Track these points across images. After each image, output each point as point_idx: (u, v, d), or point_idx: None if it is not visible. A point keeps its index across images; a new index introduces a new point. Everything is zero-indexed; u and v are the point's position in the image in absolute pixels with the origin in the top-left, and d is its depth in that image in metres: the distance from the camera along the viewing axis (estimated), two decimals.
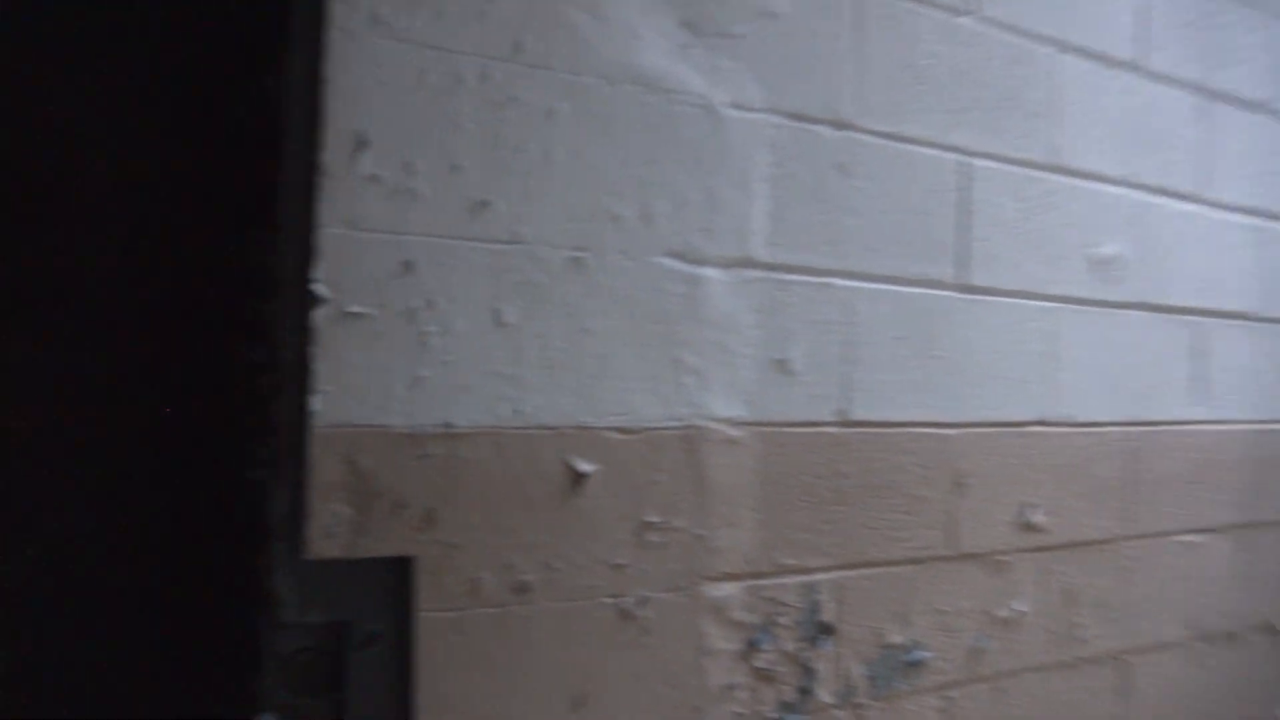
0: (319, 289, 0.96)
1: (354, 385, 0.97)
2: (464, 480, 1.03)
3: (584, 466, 1.09)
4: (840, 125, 1.32)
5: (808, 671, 1.26)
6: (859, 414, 1.32)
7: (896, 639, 1.33)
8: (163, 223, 2.03)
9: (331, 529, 0.97)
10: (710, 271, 1.20)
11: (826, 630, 1.27)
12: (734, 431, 1.21)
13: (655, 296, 1.15)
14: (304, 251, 0.98)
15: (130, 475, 1.93)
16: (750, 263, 1.24)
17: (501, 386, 1.05)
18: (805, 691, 1.25)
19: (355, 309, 0.98)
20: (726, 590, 1.19)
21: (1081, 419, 1.54)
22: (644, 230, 1.15)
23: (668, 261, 1.17)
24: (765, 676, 1.23)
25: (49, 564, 1.79)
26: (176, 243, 2.06)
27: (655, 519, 1.14)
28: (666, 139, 1.18)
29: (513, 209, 1.07)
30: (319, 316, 0.96)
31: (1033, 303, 1.50)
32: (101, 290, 1.90)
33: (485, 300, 1.04)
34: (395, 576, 1.01)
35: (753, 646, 1.22)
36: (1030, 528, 1.47)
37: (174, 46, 2.00)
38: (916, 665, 1.34)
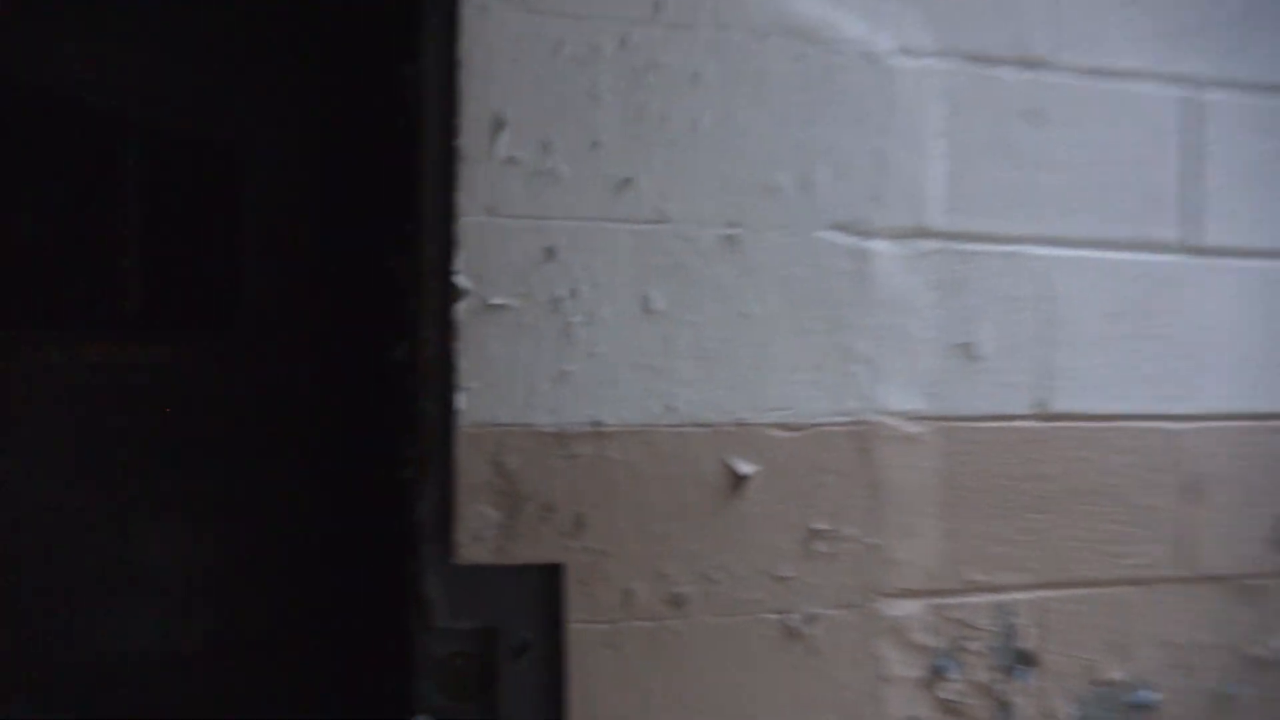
0: (460, 281, 0.92)
1: (498, 381, 0.92)
2: (614, 483, 0.95)
3: (744, 468, 0.98)
4: (1030, 64, 1.12)
5: (1003, 706, 1.08)
6: (1061, 405, 1.11)
7: (1115, 675, 1.11)
8: (309, 223, 2.14)
9: (480, 533, 0.92)
10: (880, 244, 1.04)
11: (1026, 660, 1.08)
12: (912, 427, 1.05)
13: (818, 275, 1.01)
14: (444, 242, 0.93)
15: (287, 476, 2.05)
16: (926, 232, 1.07)
17: (652, 380, 0.96)
18: None
19: (497, 300, 0.92)
20: (906, 608, 1.04)
21: None
22: (804, 201, 1.01)
23: (831, 235, 1.02)
24: (952, 710, 1.06)
25: (214, 562, 1.93)
26: (321, 240, 2.17)
27: (823, 526, 1.01)
28: (825, 96, 1.03)
29: (658, 185, 0.97)
30: (461, 310, 0.91)
31: None
32: (255, 295, 2.03)
33: (632, 286, 0.95)
34: (545, 584, 0.95)
35: (937, 674, 1.05)
36: None
37: (314, 50, 2.08)
38: (1142, 709, 1.12)
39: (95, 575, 1.64)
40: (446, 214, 0.93)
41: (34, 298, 1.65)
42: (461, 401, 0.91)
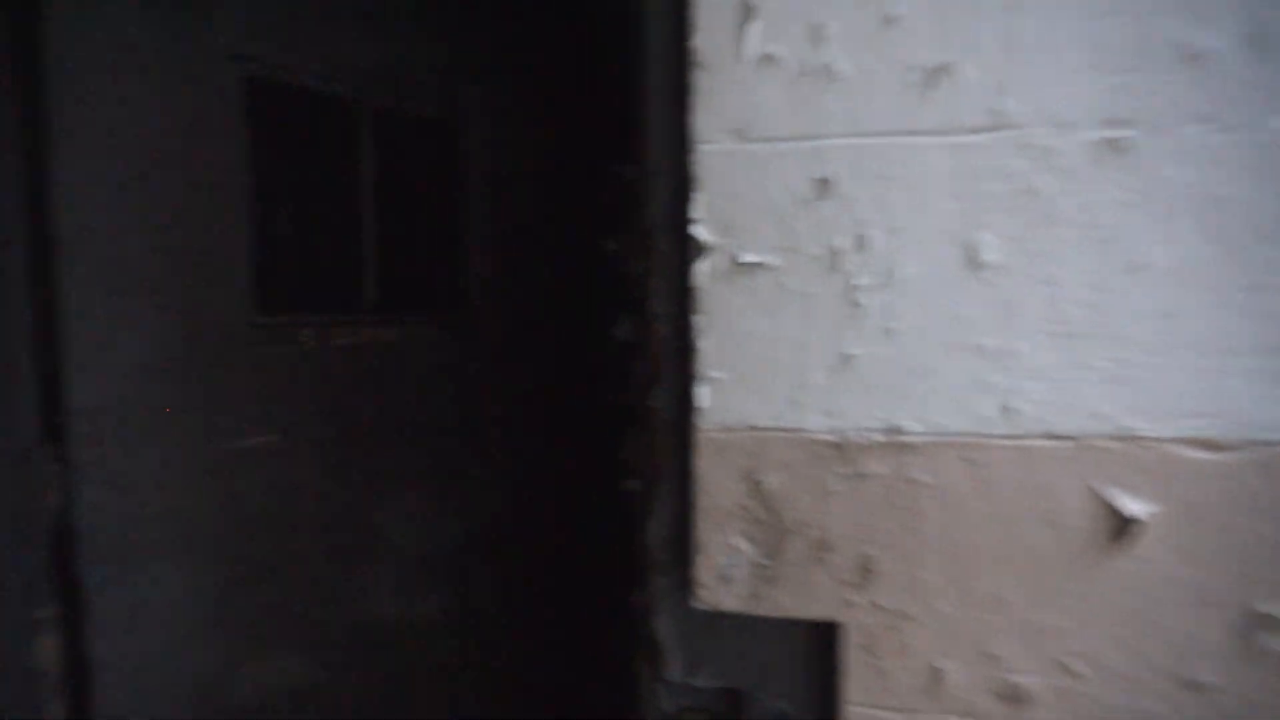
0: (700, 232, 0.68)
1: (754, 369, 0.67)
2: (920, 516, 0.66)
3: (1132, 506, 0.63)
4: None
5: None
6: None
7: None
8: (527, 200, 2.07)
9: (728, 571, 0.69)
10: None
11: None
12: None
13: (1276, 193, 0.61)
14: (678, 183, 0.70)
15: (516, 457, 2.03)
16: None
17: (980, 368, 0.64)
18: None
19: (751, 257, 0.67)
20: None
21: None
22: (1251, 68, 0.61)
23: None
24: None
25: (448, 539, 1.96)
26: (540, 217, 2.10)
27: (1277, 610, 0.62)
28: None
29: (991, 71, 0.64)
30: (702, 272, 0.68)
31: None
32: (477, 275, 2.01)
33: (950, 228, 0.64)
34: (814, 647, 0.70)
35: None
36: None
37: (527, 20, 1.97)
38: None
39: (347, 546, 1.71)
40: (679, 145, 0.70)
41: (293, 288, 1.73)
42: (704, 397, 0.68)
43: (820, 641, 0.69)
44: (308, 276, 1.69)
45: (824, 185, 0.66)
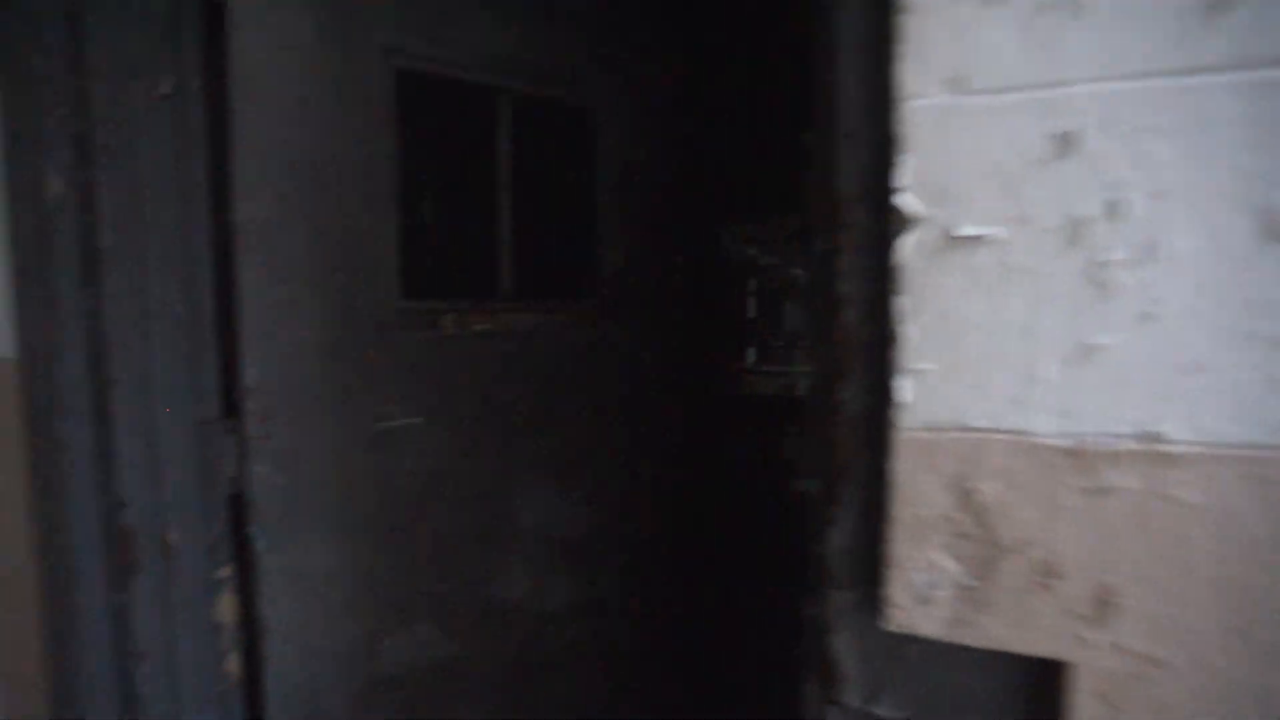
0: (906, 202, 0.59)
1: (969, 360, 0.58)
2: (1184, 543, 0.54)
3: None
4: None
5: None
6: None
7: None
8: (662, 186, 2.02)
9: (926, 592, 0.61)
10: None
11: None
12: None
13: None
14: (876, 145, 0.61)
15: (649, 448, 2.00)
16: None
17: (1269, 364, 0.52)
18: None
19: (969, 230, 0.57)
20: None
21: None
22: None
23: None
24: None
25: (577, 528, 1.96)
26: (675, 205, 2.05)
27: None
28: None
29: None
30: (907, 248, 0.59)
31: None
32: (611, 263, 1.99)
33: (1239, 189, 0.52)
34: (1034, 687, 0.60)
35: None
36: None
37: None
38: None
39: (483, 527, 1.75)
40: (879, 103, 0.61)
41: (434, 274, 1.77)
42: (905, 391, 0.59)
43: (1039, 681, 0.59)
44: (448, 263, 1.73)
45: (1065, 141, 0.55)
